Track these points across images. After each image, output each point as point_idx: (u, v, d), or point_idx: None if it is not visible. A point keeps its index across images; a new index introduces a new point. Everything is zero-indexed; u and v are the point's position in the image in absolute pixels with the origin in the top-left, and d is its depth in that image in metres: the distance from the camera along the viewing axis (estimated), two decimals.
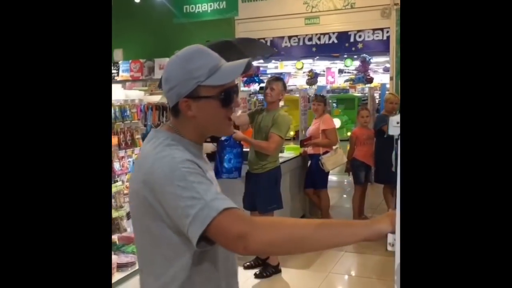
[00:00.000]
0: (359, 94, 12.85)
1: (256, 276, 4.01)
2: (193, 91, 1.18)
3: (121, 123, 3.98)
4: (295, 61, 12.07)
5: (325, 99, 5.12)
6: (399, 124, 0.97)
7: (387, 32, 7.02)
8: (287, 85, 12.13)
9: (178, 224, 1.09)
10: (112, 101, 4.02)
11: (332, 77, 14.53)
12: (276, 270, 4.06)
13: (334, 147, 4.98)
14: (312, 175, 5.05)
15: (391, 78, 6.98)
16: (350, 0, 6.92)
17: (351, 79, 13.63)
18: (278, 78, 4.14)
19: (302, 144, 5.01)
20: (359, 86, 13.78)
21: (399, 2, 6.65)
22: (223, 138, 4.00)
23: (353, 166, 5.12)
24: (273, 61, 13.03)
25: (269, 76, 15.16)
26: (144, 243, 1.21)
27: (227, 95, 1.20)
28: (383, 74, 15.52)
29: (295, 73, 15.26)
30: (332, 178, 7.29)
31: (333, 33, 7.37)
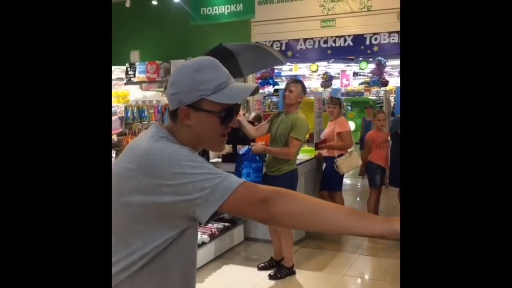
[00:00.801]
0: (374, 97, 12.79)
1: (271, 277, 4.03)
2: (195, 102, 1.19)
3: (139, 123, 4.05)
4: (310, 64, 12.06)
5: (340, 101, 5.12)
6: None
7: None
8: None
9: (183, 201, 1.08)
10: (130, 102, 4.09)
11: (347, 80, 14.49)
12: (291, 272, 4.07)
13: (349, 150, 4.98)
14: (327, 178, 5.05)
15: None
16: (366, 3, 6.93)
17: (366, 82, 13.57)
18: (297, 80, 4.13)
19: (317, 147, 5.01)
20: (374, 89, 13.72)
21: None
22: (241, 152, 4.05)
23: (369, 169, 5.11)
24: (288, 63, 13.04)
25: (283, 78, 15.16)
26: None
27: (228, 114, 1.22)
28: (398, 77, 15.43)
29: (310, 75, 15.25)
30: (345, 181, 7.28)
31: (349, 35, 7.36)
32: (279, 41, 7.66)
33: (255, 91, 1.23)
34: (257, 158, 3.97)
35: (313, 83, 15.95)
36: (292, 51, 7.66)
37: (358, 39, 7.38)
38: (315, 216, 1.07)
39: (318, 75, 14.69)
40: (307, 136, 3.97)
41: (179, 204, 1.10)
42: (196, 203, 1.08)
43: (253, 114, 5.84)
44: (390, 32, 7.14)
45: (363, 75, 14.89)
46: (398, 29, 6.91)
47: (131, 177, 1.13)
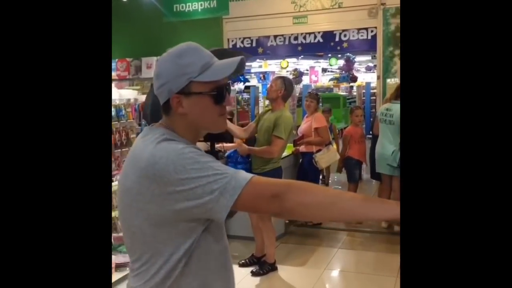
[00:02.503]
0: (344, 93, 12.99)
1: (253, 273, 4.04)
2: (184, 87, 1.16)
3: (116, 122, 3.97)
4: (279, 60, 12.11)
5: (318, 96, 5.16)
6: None
7: (372, 31, 7.13)
8: (270, 83, 12.03)
9: (196, 206, 1.07)
10: None
11: (316, 76, 14.63)
12: (273, 268, 4.09)
13: (326, 145, 5.04)
14: (305, 173, 5.09)
15: (378, 77, 7.09)
16: None
17: (336, 78, 13.76)
18: (280, 77, 4.22)
19: (296, 144, 5.06)
20: (343, 85, 13.91)
21: (386, 2, 6.77)
22: (226, 154, 4.04)
23: (348, 164, 5.19)
24: (257, 60, 13.06)
25: (252, 75, 15.17)
26: (133, 242, 1.18)
27: (220, 92, 1.19)
28: (365, 73, 15.70)
29: (279, 72, 15.34)
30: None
31: (319, 32, 7.44)
32: (249, 37, 7.66)
33: (241, 64, 1.19)
34: (243, 159, 3.97)
35: None
36: (263, 48, 7.69)
37: (328, 35, 7.47)
38: (330, 206, 1.07)
39: (287, 71, 14.76)
40: (291, 133, 3.98)
41: (194, 209, 1.08)
42: (208, 207, 1.07)
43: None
44: (359, 29, 7.25)
45: (332, 71, 15.06)
46: (369, 25, 7.06)
47: (143, 190, 1.10)
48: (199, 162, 1.08)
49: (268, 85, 4.05)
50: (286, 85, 3.97)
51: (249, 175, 1.09)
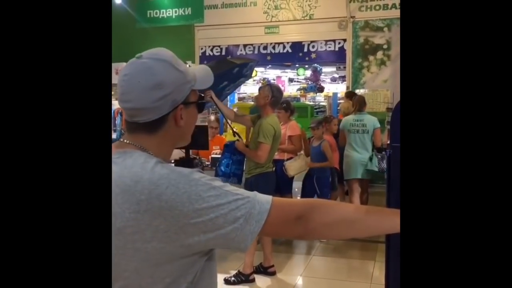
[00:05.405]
0: (311, 103, 13.17)
1: (226, 281, 4.02)
2: (186, 96, 1.08)
3: None
4: None
5: (285, 105, 5.14)
6: None
7: (339, 43, 7.32)
8: (237, 92, 11.89)
9: (215, 238, 0.96)
10: None
11: (282, 86, 14.78)
12: (247, 279, 4.03)
13: (298, 153, 5.10)
14: (277, 180, 5.10)
15: (347, 88, 7.27)
16: (309, 11, 7.16)
17: (303, 88, 13.94)
18: (267, 84, 4.46)
19: None
20: (309, 95, 14.11)
21: (355, 15, 6.97)
22: (225, 143, 4.24)
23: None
24: None
25: None
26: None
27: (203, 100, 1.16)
28: (330, 83, 16.00)
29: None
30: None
31: (288, 42, 7.57)
32: (219, 46, 7.69)
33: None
34: (239, 152, 4.08)
35: (249, 89, 16.15)
36: (231, 57, 7.73)
37: (297, 46, 7.61)
38: (354, 223, 1.03)
39: (254, 80, 14.80)
40: (276, 136, 4.05)
41: (210, 242, 0.97)
42: (231, 236, 0.96)
43: (212, 117, 5.90)
44: (326, 41, 7.42)
45: (298, 81, 15.25)
46: (339, 37, 7.24)
47: (143, 227, 0.95)
48: (215, 187, 0.97)
49: (257, 94, 4.22)
50: (274, 91, 4.03)
51: (269, 197, 1.01)
